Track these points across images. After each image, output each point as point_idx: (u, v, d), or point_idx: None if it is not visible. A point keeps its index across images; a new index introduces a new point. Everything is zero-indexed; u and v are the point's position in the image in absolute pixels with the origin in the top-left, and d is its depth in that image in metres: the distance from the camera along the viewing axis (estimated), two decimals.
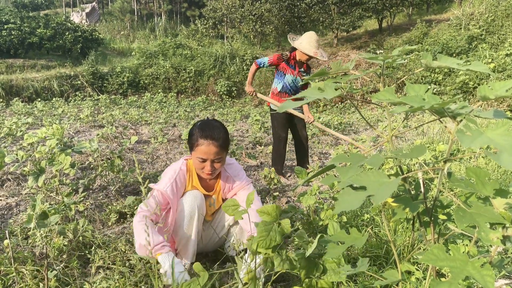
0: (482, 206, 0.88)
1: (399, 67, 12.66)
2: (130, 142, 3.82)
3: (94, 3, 28.99)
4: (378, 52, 14.44)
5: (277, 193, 3.20)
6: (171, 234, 1.95)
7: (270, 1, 17.46)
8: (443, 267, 0.82)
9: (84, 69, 14.50)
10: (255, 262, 1.36)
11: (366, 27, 19.47)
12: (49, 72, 14.14)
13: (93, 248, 2.04)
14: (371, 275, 1.71)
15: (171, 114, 9.59)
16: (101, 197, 3.17)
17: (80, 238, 2.10)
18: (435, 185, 2.52)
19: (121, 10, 29.20)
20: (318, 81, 1.03)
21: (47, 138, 2.77)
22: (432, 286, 0.79)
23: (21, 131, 5.52)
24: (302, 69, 4.00)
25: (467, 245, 1.71)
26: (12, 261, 1.61)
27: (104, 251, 1.99)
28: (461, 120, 0.81)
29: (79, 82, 14.07)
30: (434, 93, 10.48)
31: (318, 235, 1.31)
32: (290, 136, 4.60)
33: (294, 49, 3.95)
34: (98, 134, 5.54)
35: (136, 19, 28.39)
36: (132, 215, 2.69)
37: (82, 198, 2.65)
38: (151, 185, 1.97)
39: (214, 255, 2.22)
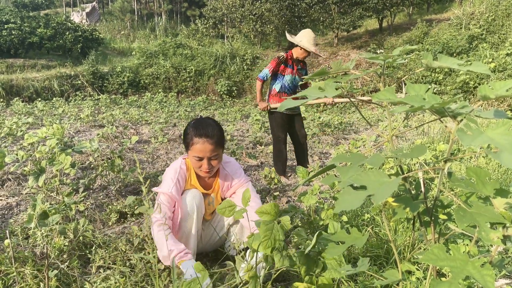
0: (483, 206, 0.88)
1: (399, 66, 12.65)
2: (131, 142, 3.82)
3: (94, 2, 28.99)
4: (378, 51, 14.43)
5: (278, 192, 3.20)
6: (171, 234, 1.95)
7: (271, 0, 17.44)
8: (444, 267, 0.82)
9: (85, 69, 14.50)
10: (256, 260, 1.36)
11: (367, 27, 19.46)
12: (50, 72, 14.14)
13: (93, 248, 2.04)
14: (371, 275, 1.71)
15: (171, 114, 9.59)
16: (101, 197, 3.17)
17: (81, 238, 2.10)
18: (435, 184, 2.52)
19: (121, 9, 29.20)
20: (319, 81, 1.03)
21: (47, 138, 2.77)
22: (433, 286, 0.79)
23: (21, 131, 5.52)
24: (300, 67, 4.01)
25: (467, 245, 1.71)
26: (13, 261, 1.62)
27: (105, 251, 2.00)
28: (462, 120, 0.81)
29: (79, 82, 14.08)
30: (435, 93, 10.44)
31: (317, 232, 1.31)
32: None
33: (290, 47, 3.96)
34: (98, 134, 5.54)
35: (136, 18, 28.38)
36: (133, 215, 2.70)
37: (82, 198, 2.65)
38: (154, 189, 1.96)
39: (214, 254, 2.22)
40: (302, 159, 4.23)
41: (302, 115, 4.72)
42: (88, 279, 1.76)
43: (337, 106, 12.60)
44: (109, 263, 1.91)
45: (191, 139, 1.88)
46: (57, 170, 2.69)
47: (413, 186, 1.08)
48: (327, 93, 0.94)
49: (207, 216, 2.13)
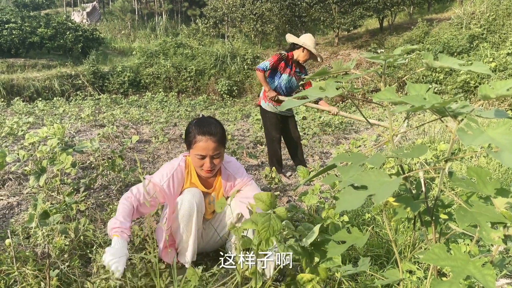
0: (483, 206, 0.88)
1: (400, 66, 12.64)
2: (131, 141, 3.82)
3: (95, 2, 28.99)
4: (379, 51, 14.42)
5: (278, 192, 3.20)
6: (171, 234, 1.95)
7: (271, 0, 17.45)
8: (444, 267, 0.82)
9: (85, 69, 14.51)
10: (256, 257, 1.36)
11: (367, 26, 19.45)
12: (50, 71, 14.15)
13: (94, 247, 2.05)
14: (372, 275, 1.71)
15: (172, 114, 9.59)
16: (102, 196, 3.17)
17: (82, 237, 2.11)
18: (436, 184, 2.52)
19: (122, 9, 29.21)
20: (319, 81, 1.03)
21: (48, 137, 2.77)
22: (433, 286, 0.79)
23: (22, 130, 5.53)
24: (298, 70, 4.00)
25: (468, 244, 1.71)
26: (14, 261, 1.62)
27: None
28: (462, 119, 0.81)
29: (80, 81, 14.09)
30: (435, 92, 10.45)
31: (319, 224, 1.31)
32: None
33: (291, 49, 3.95)
34: (99, 134, 5.54)
35: (137, 18, 28.38)
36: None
37: (83, 198, 2.65)
38: (147, 176, 1.96)
39: (215, 254, 2.22)
40: (299, 159, 4.22)
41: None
42: (89, 279, 1.76)
43: (338, 106, 12.59)
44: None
45: (193, 137, 1.88)
46: (58, 170, 2.69)
47: (413, 186, 1.08)
48: (328, 93, 0.94)
49: (207, 215, 2.12)
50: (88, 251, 2.05)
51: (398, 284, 1.48)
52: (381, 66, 1.01)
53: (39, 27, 16.05)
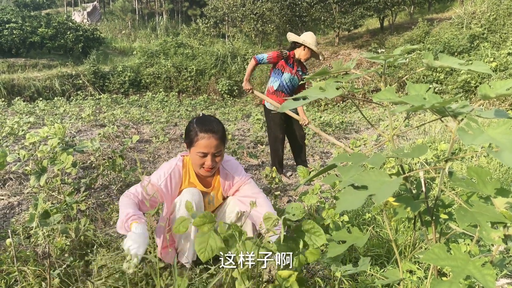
0: (484, 206, 0.88)
1: (400, 66, 12.63)
2: (132, 141, 3.82)
3: (95, 2, 29.01)
4: (379, 51, 14.42)
5: (278, 192, 3.20)
6: (171, 234, 1.95)
7: (271, 0, 17.45)
8: (445, 266, 0.82)
9: (86, 69, 14.53)
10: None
11: (368, 26, 19.44)
12: (51, 71, 14.17)
13: (95, 247, 2.05)
14: (372, 274, 1.71)
15: (172, 113, 9.60)
16: (102, 196, 3.18)
17: (82, 237, 2.11)
18: (436, 184, 2.52)
19: (123, 9, 29.22)
20: (320, 80, 1.03)
21: (49, 137, 2.78)
22: (433, 285, 0.79)
23: (23, 130, 5.53)
24: (299, 69, 3.99)
25: (468, 244, 1.71)
26: (15, 260, 1.62)
27: (106, 250, 2.00)
28: (462, 119, 0.81)
29: (80, 81, 14.10)
30: (436, 92, 10.45)
31: (292, 204, 1.30)
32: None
33: (292, 48, 3.94)
34: (99, 133, 5.55)
35: (137, 18, 28.39)
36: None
37: (84, 197, 2.65)
38: (145, 177, 1.95)
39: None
40: (301, 160, 4.21)
41: None
42: (90, 279, 1.76)
43: (338, 106, 12.59)
44: (110, 263, 1.91)
45: (195, 135, 1.88)
46: (58, 170, 2.69)
47: (414, 186, 1.08)
48: (328, 93, 0.94)
49: None
50: (89, 251, 2.06)
51: (399, 284, 1.49)
52: (382, 66, 1.01)
53: (40, 27, 16.06)
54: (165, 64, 15.59)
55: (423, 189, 1.03)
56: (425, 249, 1.57)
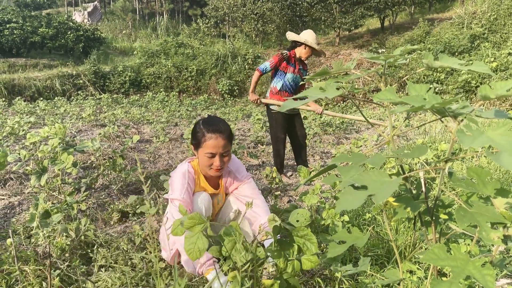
0: (483, 206, 0.88)
1: (401, 66, 12.63)
2: (132, 141, 3.83)
3: (96, 2, 29.01)
4: (380, 51, 14.42)
5: (279, 192, 3.20)
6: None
7: (272, 0, 17.45)
8: (444, 267, 0.82)
9: (86, 68, 14.53)
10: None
11: (368, 26, 19.44)
12: (51, 71, 14.18)
13: (95, 247, 2.05)
14: (372, 274, 1.71)
15: (173, 113, 9.60)
16: (103, 196, 3.18)
17: (82, 237, 2.11)
18: (436, 184, 2.52)
19: (123, 9, 29.22)
20: (320, 81, 1.03)
21: (49, 137, 2.78)
22: (433, 286, 0.79)
23: (23, 130, 5.53)
24: (301, 67, 3.99)
25: (468, 244, 1.71)
26: (15, 260, 1.62)
27: (106, 250, 2.00)
28: (462, 120, 0.81)
29: (81, 81, 14.11)
30: (436, 92, 10.44)
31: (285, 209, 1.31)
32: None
33: (292, 47, 3.94)
34: (100, 133, 5.55)
35: (138, 18, 28.39)
36: (134, 214, 2.70)
37: (84, 197, 2.65)
38: (165, 196, 1.94)
39: None
40: (302, 160, 4.21)
41: (303, 115, 4.70)
42: (90, 278, 1.77)
43: (338, 106, 12.59)
44: (111, 262, 1.92)
45: (203, 136, 1.88)
46: (59, 170, 2.70)
47: (414, 186, 1.08)
48: (328, 93, 0.94)
49: (212, 216, 2.14)
50: (89, 251, 2.06)
51: (399, 284, 1.49)
52: (382, 66, 1.01)
53: (41, 27, 16.07)
54: (166, 64, 15.60)
55: (423, 189, 1.03)
56: (425, 249, 1.57)
